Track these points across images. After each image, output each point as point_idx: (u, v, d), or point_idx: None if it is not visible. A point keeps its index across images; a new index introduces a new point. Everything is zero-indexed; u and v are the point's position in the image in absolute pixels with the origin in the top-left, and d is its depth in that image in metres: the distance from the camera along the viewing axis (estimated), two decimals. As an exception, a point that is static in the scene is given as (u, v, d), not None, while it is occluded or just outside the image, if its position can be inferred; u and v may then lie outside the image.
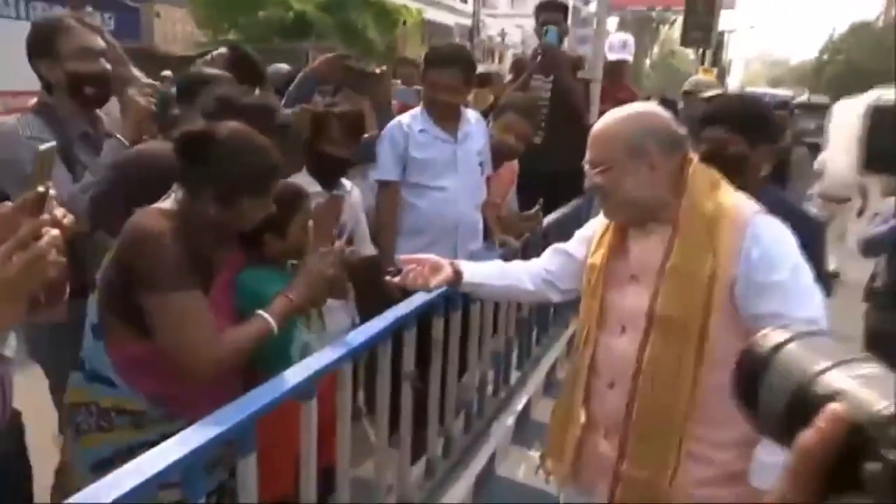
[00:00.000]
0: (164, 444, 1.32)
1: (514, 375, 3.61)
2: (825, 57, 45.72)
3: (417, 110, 2.84)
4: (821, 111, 19.40)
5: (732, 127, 2.06)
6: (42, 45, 2.22)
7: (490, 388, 3.26)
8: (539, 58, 4.30)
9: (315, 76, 2.83)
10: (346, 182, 2.71)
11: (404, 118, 2.79)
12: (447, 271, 1.95)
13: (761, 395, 0.55)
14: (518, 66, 5.13)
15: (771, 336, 0.57)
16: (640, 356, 1.64)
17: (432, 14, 22.29)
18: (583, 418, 1.79)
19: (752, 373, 0.56)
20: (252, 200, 1.68)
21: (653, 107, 1.77)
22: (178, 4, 16.27)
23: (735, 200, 1.64)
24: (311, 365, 1.73)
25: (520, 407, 3.44)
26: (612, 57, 4.89)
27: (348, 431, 1.94)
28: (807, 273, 1.60)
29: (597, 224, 1.87)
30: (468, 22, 24.30)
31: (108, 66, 2.30)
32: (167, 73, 5.75)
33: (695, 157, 1.70)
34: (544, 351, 4.09)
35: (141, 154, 2.13)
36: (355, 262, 2.78)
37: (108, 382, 1.65)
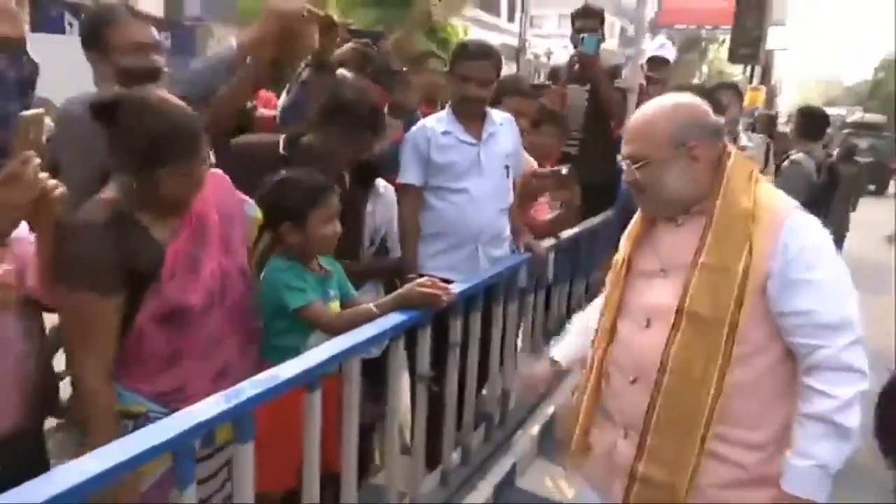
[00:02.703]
0: (156, 424, 1.31)
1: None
2: (881, 75, 44.51)
3: (443, 112, 2.81)
4: (876, 129, 18.95)
5: None
6: (91, 37, 2.07)
7: (515, 399, 3.19)
8: (576, 66, 4.22)
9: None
10: (380, 182, 2.70)
11: (429, 121, 2.76)
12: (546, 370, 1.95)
13: None
14: (554, 75, 5.02)
15: None
16: (666, 352, 1.58)
17: (477, 33, 22.41)
18: (596, 413, 1.74)
19: None
20: (167, 171, 1.56)
21: (690, 96, 1.70)
22: (231, 23, 16.69)
23: (772, 195, 1.61)
24: (316, 356, 1.71)
25: (545, 418, 3.35)
26: (651, 54, 4.75)
27: (356, 429, 1.90)
28: (843, 271, 1.56)
29: (631, 224, 1.81)
30: (513, 41, 24.35)
31: (161, 62, 2.13)
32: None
33: (733, 148, 1.65)
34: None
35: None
36: (388, 265, 2.78)
37: None
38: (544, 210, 3.35)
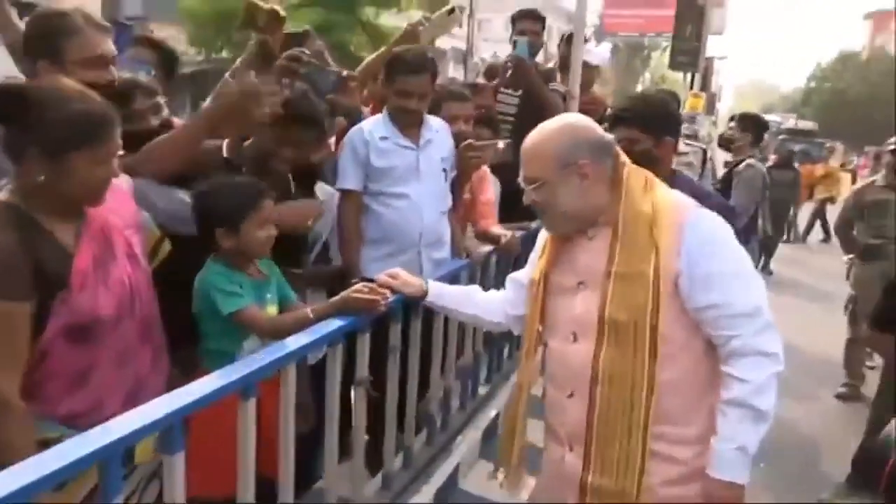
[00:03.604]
0: (75, 439, 1.27)
1: (484, 390, 3.57)
2: (813, 84, 46.27)
3: (380, 117, 2.81)
4: (808, 136, 19.74)
5: (637, 126, 2.18)
6: (42, 44, 1.90)
7: (456, 402, 3.21)
8: (508, 71, 4.12)
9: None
10: (325, 187, 2.68)
11: (366, 125, 2.77)
12: (417, 283, 2.09)
13: None
14: (491, 72, 4.94)
15: None
16: (595, 362, 1.64)
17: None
18: (530, 431, 1.80)
19: None
20: (83, 156, 1.48)
21: (577, 116, 1.79)
22: (171, 22, 16.33)
23: (670, 197, 1.68)
24: (251, 363, 1.69)
25: (488, 420, 3.38)
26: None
27: (292, 436, 1.89)
28: (746, 262, 1.64)
29: (540, 240, 1.88)
30: (461, 44, 24.46)
31: (115, 73, 1.99)
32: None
33: (627, 159, 1.71)
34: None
35: None
36: (330, 271, 2.77)
37: None
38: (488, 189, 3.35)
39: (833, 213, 12.68)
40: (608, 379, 1.61)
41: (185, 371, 1.83)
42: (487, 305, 2.07)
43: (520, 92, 4.15)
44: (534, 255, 1.89)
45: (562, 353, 1.73)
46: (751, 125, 5.15)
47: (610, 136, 1.72)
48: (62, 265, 1.49)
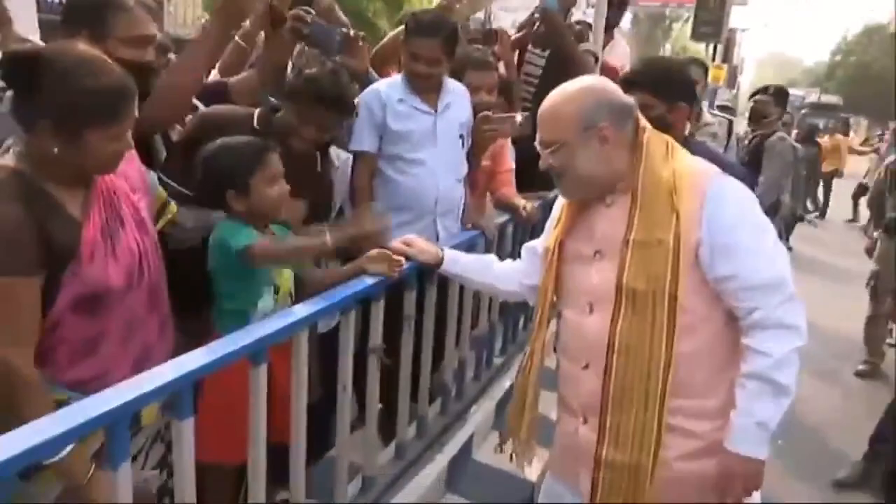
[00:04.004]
0: (83, 401, 1.24)
1: (499, 361, 3.53)
2: (837, 58, 45.37)
3: (397, 78, 2.73)
4: (832, 110, 19.40)
5: (650, 90, 2.09)
6: (88, 14, 1.83)
7: (470, 372, 3.17)
8: (536, 26, 3.70)
9: None
10: (339, 151, 2.62)
11: (381, 86, 2.68)
12: (433, 251, 2.09)
13: None
14: (521, 43, 4.39)
15: None
16: (612, 333, 1.60)
17: (442, 5, 22.17)
18: (543, 403, 1.77)
19: None
20: (99, 132, 1.42)
21: (599, 78, 1.73)
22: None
23: (692, 164, 1.62)
24: (262, 328, 1.65)
25: (502, 391, 3.35)
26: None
27: (304, 403, 1.85)
28: (769, 232, 1.58)
29: (556, 208, 1.83)
30: (480, 15, 24.19)
31: (153, 57, 1.97)
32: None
33: (647, 125, 1.65)
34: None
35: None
36: (346, 236, 2.70)
37: None
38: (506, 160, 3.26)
39: (839, 187, 12.57)
40: (625, 350, 1.57)
41: (191, 339, 1.79)
42: (502, 274, 2.04)
43: (547, 52, 3.82)
44: (549, 223, 1.85)
45: (577, 324, 1.69)
46: (783, 99, 5.06)
47: (631, 100, 1.66)
48: (72, 236, 1.44)
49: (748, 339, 1.53)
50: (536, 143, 1.67)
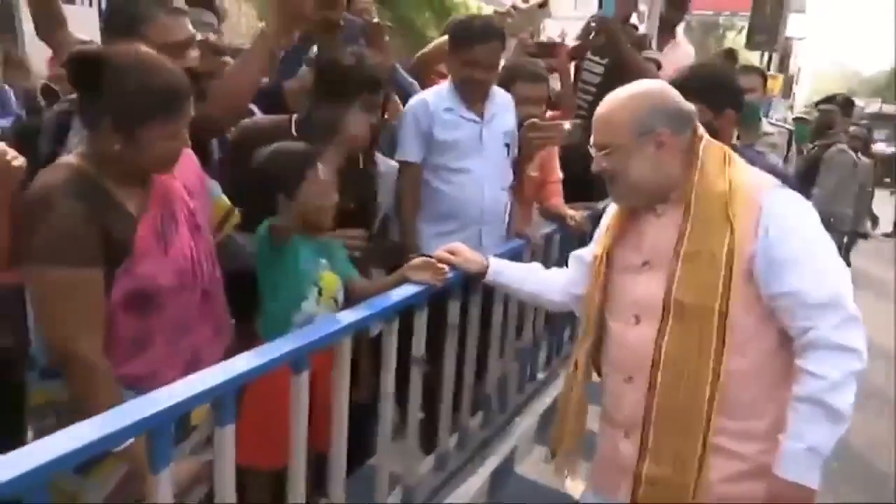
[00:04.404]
0: (129, 403, 1.25)
1: (543, 375, 3.47)
2: (899, 68, 43.91)
3: (444, 86, 2.71)
4: (894, 121, 18.72)
5: (697, 96, 2.00)
6: (123, 26, 1.84)
7: (514, 384, 3.13)
8: (592, 35, 3.57)
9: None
10: (387, 161, 2.62)
11: (428, 95, 2.67)
12: (478, 260, 2.07)
13: None
14: (578, 52, 4.06)
15: None
16: (657, 346, 1.55)
17: (488, 11, 22.16)
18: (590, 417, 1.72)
19: None
20: (157, 129, 1.46)
21: (659, 83, 1.68)
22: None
23: (749, 175, 1.57)
24: (305, 336, 1.65)
25: (546, 405, 3.29)
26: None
27: (345, 410, 1.84)
28: (828, 248, 1.50)
29: (606, 217, 1.79)
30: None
31: (195, 58, 1.96)
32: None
33: (705, 133, 1.59)
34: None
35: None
36: (387, 246, 2.70)
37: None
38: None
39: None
40: (670, 365, 1.52)
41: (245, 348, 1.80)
42: (548, 283, 2.01)
43: (606, 60, 3.69)
44: (598, 232, 1.81)
45: (622, 335, 1.65)
46: (849, 109, 4.88)
47: (691, 107, 1.61)
48: (127, 232, 1.48)
49: (802, 361, 1.46)
50: (590, 146, 1.64)
